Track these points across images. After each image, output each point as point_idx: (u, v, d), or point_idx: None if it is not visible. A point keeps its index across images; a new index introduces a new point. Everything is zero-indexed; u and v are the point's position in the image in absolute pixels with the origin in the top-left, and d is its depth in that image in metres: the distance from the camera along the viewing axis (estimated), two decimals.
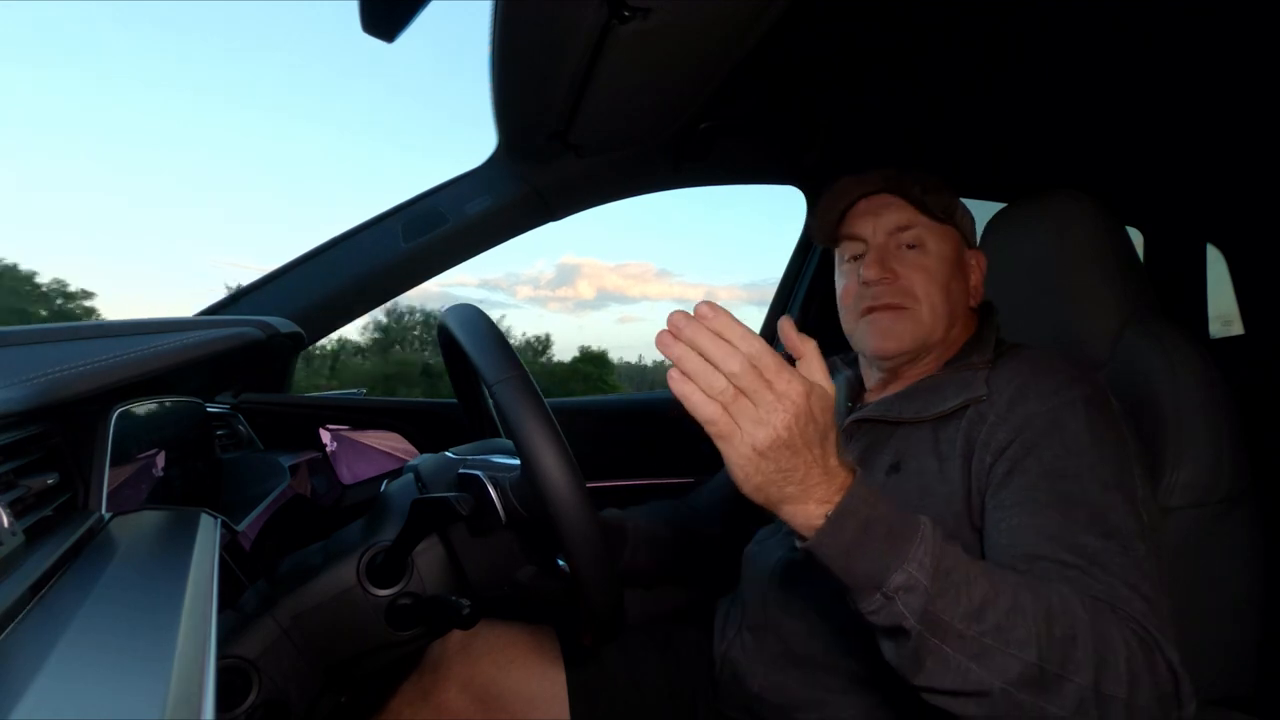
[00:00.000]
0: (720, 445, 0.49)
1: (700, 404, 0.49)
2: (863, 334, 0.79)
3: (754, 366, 0.48)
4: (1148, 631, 0.54)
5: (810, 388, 0.49)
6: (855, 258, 0.81)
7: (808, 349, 0.52)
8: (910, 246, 0.78)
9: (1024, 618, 0.51)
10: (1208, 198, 1.66)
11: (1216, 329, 1.81)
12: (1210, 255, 1.79)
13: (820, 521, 0.51)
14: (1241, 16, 1.02)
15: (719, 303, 0.50)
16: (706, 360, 0.49)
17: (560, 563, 0.72)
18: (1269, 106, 1.26)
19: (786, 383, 0.48)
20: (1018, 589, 0.53)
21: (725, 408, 0.49)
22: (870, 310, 0.78)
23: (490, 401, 0.62)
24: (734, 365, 0.48)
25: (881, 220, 0.78)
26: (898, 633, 0.52)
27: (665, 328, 0.50)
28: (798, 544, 0.53)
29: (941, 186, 0.79)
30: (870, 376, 0.85)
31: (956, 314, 0.79)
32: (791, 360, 0.52)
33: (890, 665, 0.56)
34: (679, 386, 0.49)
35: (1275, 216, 1.63)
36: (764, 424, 0.48)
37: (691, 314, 0.50)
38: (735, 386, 0.48)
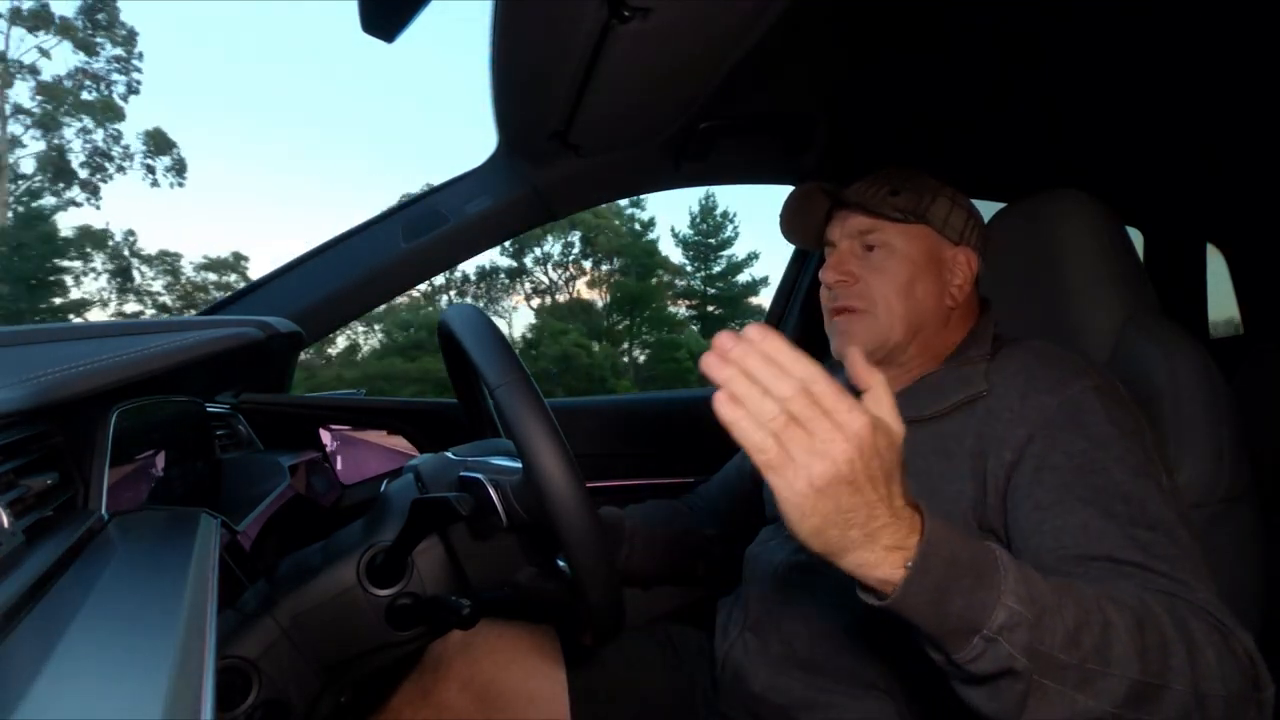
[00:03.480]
0: (770, 478, 0.44)
1: (749, 430, 0.44)
2: (830, 336, 0.81)
3: (808, 392, 0.43)
4: (1217, 619, 0.52)
5: (875, 420, 0.44)
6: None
7: (875, 380, 0.48)
8: (870, 248, 0.78)
9: (1117, 633, 0.48)
10: (1208, 198, 1.65)
11: (1217, 331, 1.81)
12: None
13: (900, 572, 0.46)
14: (1241, 16, 1.02)
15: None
16: (756, 384, 0.44)
17: (560, 563, 0.72)
18: (1269, 106, 1.26)
19: (847, 412, 0.43)
20: (1101, 602, 0.49)
21: (776, 436, 0.43)
22: (832, 313, 0.80)
23: (491, 403, 0.63)
24: (786, 389, 0.43)
25: (846, 224, 0.80)
26: (1003, 676, 0.47)
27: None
28: (874, 603, 0.48)
29: (920, 185, 0.79)
30: None
31: (926, 314, 0.77)
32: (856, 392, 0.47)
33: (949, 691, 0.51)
34: (726, 411, 0.44)
35: (1275, 216, 1.63)
36: (821, 455, 0.43)
37: (739, 335, 0.45)
38: (788, 413, 0.43)
